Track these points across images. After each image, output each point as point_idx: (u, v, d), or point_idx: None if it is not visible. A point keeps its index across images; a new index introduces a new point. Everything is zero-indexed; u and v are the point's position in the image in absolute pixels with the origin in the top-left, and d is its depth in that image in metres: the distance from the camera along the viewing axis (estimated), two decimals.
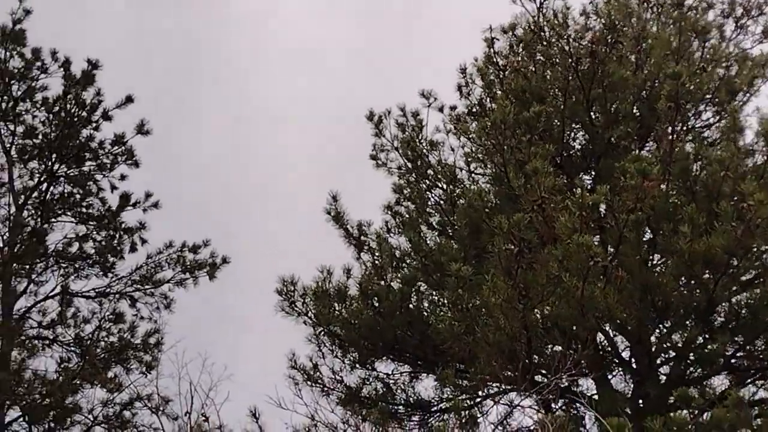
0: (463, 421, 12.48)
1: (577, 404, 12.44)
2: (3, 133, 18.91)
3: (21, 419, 17.31)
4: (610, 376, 12.68)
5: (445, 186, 13.96)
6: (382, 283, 13.03)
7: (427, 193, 14.32)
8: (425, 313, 13.04)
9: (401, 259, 13.64)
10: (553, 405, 11.86)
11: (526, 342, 10.76)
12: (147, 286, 18.89)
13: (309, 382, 13.67)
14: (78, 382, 17.07)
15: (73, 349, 18.24)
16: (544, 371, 12.01)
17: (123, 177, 19.27)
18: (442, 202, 14.06)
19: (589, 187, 12.84)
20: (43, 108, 18.93)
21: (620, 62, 13.27)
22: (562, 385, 11.22)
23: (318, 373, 13.74)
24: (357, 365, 13.75)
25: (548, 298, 10.47)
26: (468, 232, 12.51)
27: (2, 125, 18.89)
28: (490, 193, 13.06)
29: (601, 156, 13.26)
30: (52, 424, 16.80)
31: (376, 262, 13.47)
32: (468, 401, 13.10)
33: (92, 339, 18.11)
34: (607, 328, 12.40)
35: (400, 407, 13.73)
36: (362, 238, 14.01)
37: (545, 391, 10.77)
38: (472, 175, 14.36)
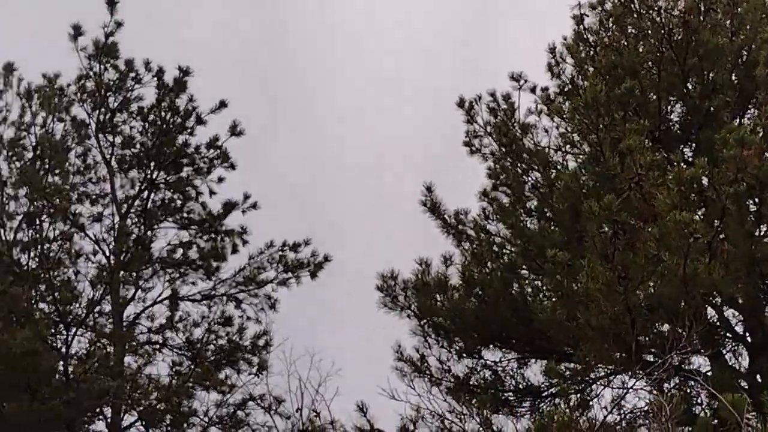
0: (574, 405, 12.34)
1: (691, 382, 12.17)
2: (102, 145, 19.36)
3: (138, 423, 17.74)
4: (723, 352, 12.38)
5: (541, 169, 13.78)
6: (484, 271, 12.94)
7: (524, 177, 14.15)
8: (529, 299, 12.90)
9: (501, 245, 13.52)
10: (665, 384, 11.61)
11: (630, 324, 10.55)
12: (251, 287, 19.10)
13: (417, 373, 13.67)
14: (191, 385, 17.38)
15: (183, 352, 18.57)
16: (653, 350, 11.78)
17: (220, 180, 19.53)
18: (539, 185, 13.88)
19: (689, 160, 12.53)
20: (139, 117, 19.31)
21: (714, 30, 12.90)
22: (674, 364, 10.97)
23: (425, 364, 13.74)
24: (464, 354, 13.70)
25: (649, 279, 10.26)
26: (568, 216, 12.32)
27: (101, 137, 19.33)
28: (585, 173, 12.84)
29: (700, 127, 12.92)
30: (169, 428, 17.15)
31: (476, 250, 13.38)
32: (578, 386, 12.95)
33: (202, 342, 18.40)
34: (718, 303, 12.10)
35: (510, 394, 13.65)
36: (460, 227, 13.93)
37: (657, 370, 10.55)
38: (567, 156, 14.15)
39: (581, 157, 13.79)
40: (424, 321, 13.49)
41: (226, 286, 19.07)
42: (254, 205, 19.51)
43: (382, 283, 13.53)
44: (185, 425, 17.30)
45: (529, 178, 14.16)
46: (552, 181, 13.45)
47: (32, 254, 18.43)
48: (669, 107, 13.31)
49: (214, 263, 19.07)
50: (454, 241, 13.90)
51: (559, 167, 13.85)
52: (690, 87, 13.06)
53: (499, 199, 14.19)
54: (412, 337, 13.63)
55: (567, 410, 11.91)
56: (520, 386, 13.62)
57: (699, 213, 10.79)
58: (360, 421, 13.59)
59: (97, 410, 17.61)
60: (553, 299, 11.38)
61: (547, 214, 13.52)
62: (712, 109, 12.83)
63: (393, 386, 12.96)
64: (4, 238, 19.02)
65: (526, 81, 14.70)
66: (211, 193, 19.48)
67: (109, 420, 17.66)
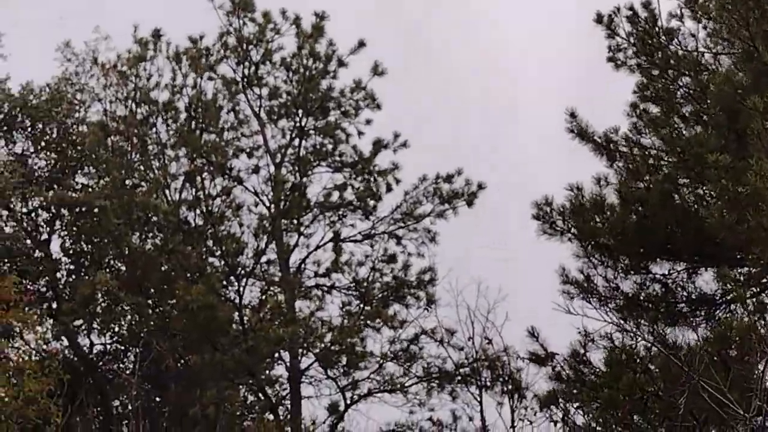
0: (752, 310, 12.01)
1: None
2: (251, 98, 19.74)
3: (316, 365, 18.24)
4: None
5: (691, 74, 13.26)
6: (641, 185, 12.64)
7: (673, 84, 13.64)
8: (692, 208, 12.54)
9: (657, 157, 13.14)
10: None
11: None
12: (409, 223, 19.22)
13: (583, 294, 13.51)
14: (362, 324, 17.72)
15: (351, 293, 18.91)
16: None
17: (368, 122, 19.63)
18: (691, 91, 13.37)
19: None
20: (282, 67, 19.57)
21: None
22: None
23: (591, 284, 13.54)
24: (631, 271, 13.44)
25: None
26: (724, 117, 11.85)
27: (248, 91, 19.69)
28: (740, 72, 12.28)
29: None
30: (345, 368, 17.56)
31: (631, 166, 13.05)
32: (754, 289, 12.59)
33: (368, 281, 18.67)
34: None
35: (683, 305, 13.37)
36: (611, 145, 13.59)
37: None
38: (718, 56, 13.55)
39: (733, 55, 13.19)
40: (586, 243, 13.28)
41: (385, 224, 19.28)
42: (404, 144, 19.52)
43: (538, 211, 13.36)
44: (361, 364, 17.68)
45: (680, 85, 13.65)
46: (704, 84, 12.94)
47: (197, 212, 19.07)
48: None
49: (371, 202, 19.26)
50: (606, 162, 13.56)
51: (710, 69, 13.28)
52: None
53: (649, 111, 13.73)
54: (575, 260, 13.46)
55: (745, 316, 11.66)
56: (693, 296, 13.32)
57: None
58: (533, 346, 13.61)
59: (276, 356, 18.22)
60: (717, 206, 11.00)
61: (703, 119, 13.03)
62: None
63: (560, 310, 12.92)
64: (169, 198, 19.76)
65: None
66: (360, 134, 19.64)
67: (288, 364, 18.25)
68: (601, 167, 13.54)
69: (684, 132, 13.13)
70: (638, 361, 12.08)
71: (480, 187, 19.17)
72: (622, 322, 12.74)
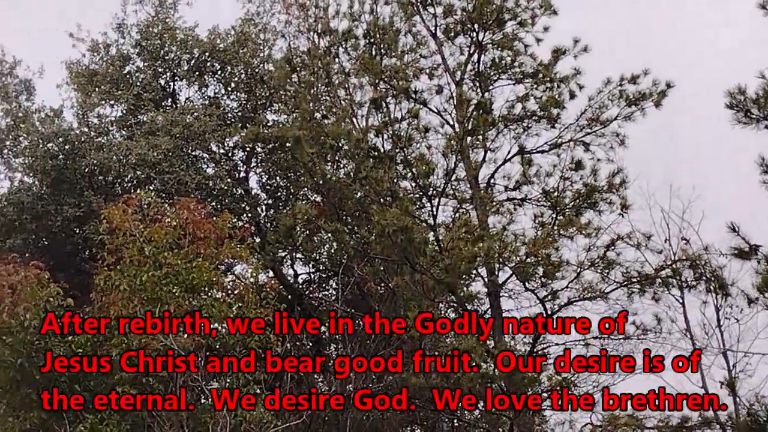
0: None
1: None
2: (426, 18, 19.79)
3: (513, 277, 18.35)
4: None
5: None
6: None
7: None
8: None
9: None
10: None
11: None
12: (595, 128, 18.88)
13: None
14: (556, 233, 17.67)
15: (542, 204, 18.82)
16: None
17: (546, 29, 19.32)
18: None
19: None
20: None
21: None
22: None
23: None
24: None
25: None
26: None
27: (424, 11, 19.76)
28: None
29: None
30: (543, 279, 17.58)
31: None
32: None
33: (558, 190, 18.52)
34: None
35: None
36: None
37: None
38: None
39: None
40: None
41: (571, 132, 18.97)
42: (585, 49, 19.09)
43: (732, 100, 12.86)
44: (558, 274, 17.64)
45: None
46: None
47: (385, 137, 19.40)
48: None
49: (555, 111, 19.02)
50: None
51: None
52: None
53: None
54: None
55: None
56: None
57: None
58: (734, 240, 13.27)
59: (473, 272, 18.45)
60: None
61: None
62: None
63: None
64: (357, 126, 20.21)
65: None
66: (538, 41, 19.35)
67: (485, 279, 18.45)
68: None
69: None
70: None
71: (668, 86, 18.57)
72: None
